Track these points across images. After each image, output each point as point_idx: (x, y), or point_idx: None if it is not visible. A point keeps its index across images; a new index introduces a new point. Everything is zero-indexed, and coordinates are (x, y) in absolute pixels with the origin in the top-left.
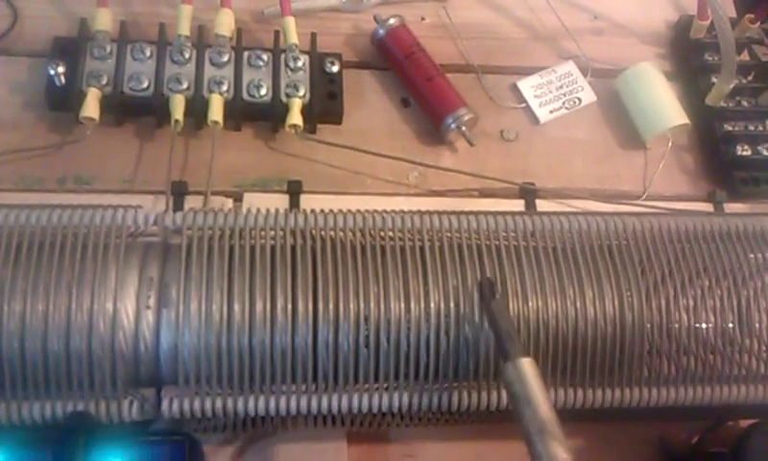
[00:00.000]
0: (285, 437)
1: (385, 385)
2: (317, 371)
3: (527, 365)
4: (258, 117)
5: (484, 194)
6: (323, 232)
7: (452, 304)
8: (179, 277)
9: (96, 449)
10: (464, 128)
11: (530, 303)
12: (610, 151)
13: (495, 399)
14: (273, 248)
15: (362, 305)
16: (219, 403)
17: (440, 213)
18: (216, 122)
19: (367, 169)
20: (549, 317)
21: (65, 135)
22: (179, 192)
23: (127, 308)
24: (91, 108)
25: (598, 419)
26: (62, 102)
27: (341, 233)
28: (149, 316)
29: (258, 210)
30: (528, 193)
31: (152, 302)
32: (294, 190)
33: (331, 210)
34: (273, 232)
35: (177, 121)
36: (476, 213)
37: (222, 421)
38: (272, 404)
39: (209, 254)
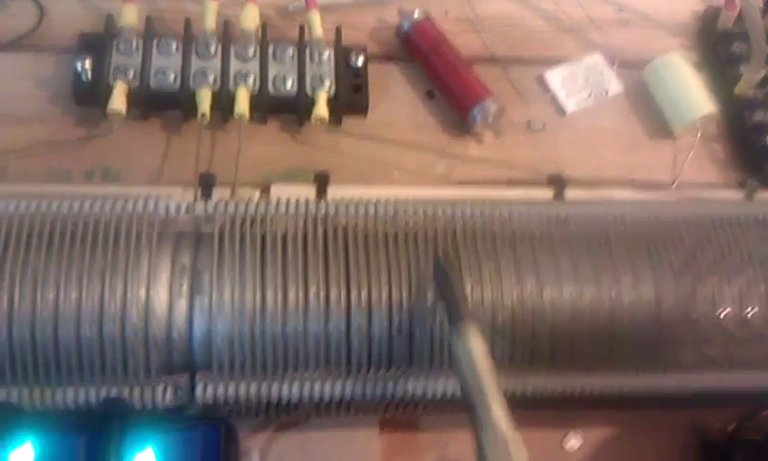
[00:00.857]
0: (317, 424)
1: (418, 372)
2: (350, 357)
3: (472, 330)
4: (284, 110)
5: (512, 184)
6: (353, 221)
7: (487, 292)
8: (211, 264)
9: (130, 435)
10: (490, 119)
11: (564, 292)
12: (638, 141)
13: (530, 386)
14: (305, 235)
15: (394, 292)
16: (252, 389)
17: (471, 202)
18: (242, 115)
19: (393, 161)
20: (584, 304)
21: (92, 129)
22: (206, 184)
23: (160, 295)
24: (118, 101)
25: (633, 406)
26: (89, 96)
27: (371, 222)
28: (182, 303)
29: (288, 200)
30: (557, 182)
31: (184, 289)
32: (321, 182)
33: (361, 199)
34: (303, 221)
35: (203, 114)
36: (506, 202)
37: (254, 407)
38: (304, 391)
39: (241, 242)
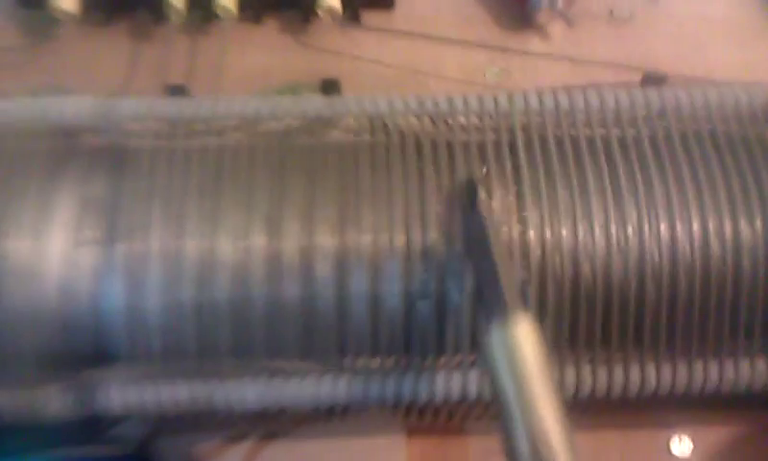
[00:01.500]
0: (314, 432)
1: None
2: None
3: (525, 334)
4: (284, 4)
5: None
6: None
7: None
8: (135, 195)
9: None
10: (559, 4)
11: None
12: (759, 31)
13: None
14: (281, 148)
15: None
16: (201, 391)
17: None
18: (227, 10)
19: (429, 66)
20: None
21: (40, 38)
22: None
23: (53, 246)
24: None
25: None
26: None
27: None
28: (88, 257)
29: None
30: (654, 82)
31: (92, 235)
32: (329, 92)
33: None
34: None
35: (176, 11)
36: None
37: (208, 417)
38: (287, 391)
39: (186, 161)
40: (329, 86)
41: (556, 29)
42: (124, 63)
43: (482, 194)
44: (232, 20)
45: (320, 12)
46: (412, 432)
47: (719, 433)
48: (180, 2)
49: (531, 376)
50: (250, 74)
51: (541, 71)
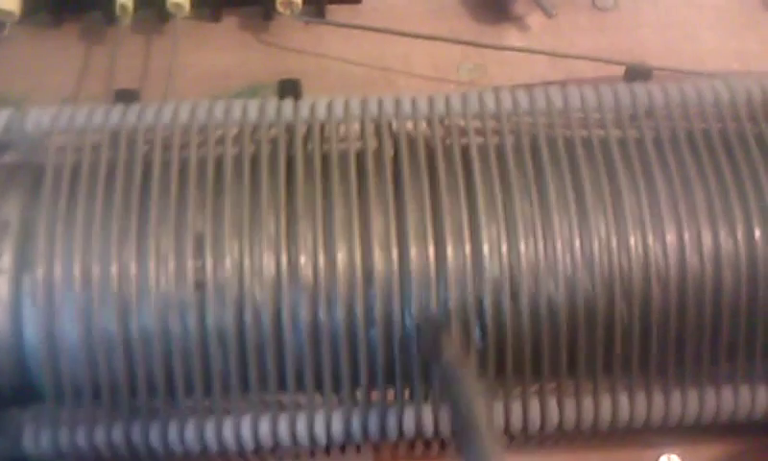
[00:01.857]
0: None
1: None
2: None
3: None
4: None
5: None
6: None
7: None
8: (50, 217)
9: None
10: None
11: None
12: (753, 17)
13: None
14: (219, 158)
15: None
16: (137, 433)
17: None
18: (179, 5)
19: (399, 63)
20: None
21: None
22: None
23: None
24: None
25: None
26: None
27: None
28: (1, 286)
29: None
30: (638, 75)
31: (5, 261)
32: (288, 93)
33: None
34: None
35: (122, 6)
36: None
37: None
38: (226, 431)
39: (109, 177)
40: (289, 87)
41: (534, 20)
42: (73, 67)
43: (447, 339)
44: (187, 18)
45: (280, 8)
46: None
47: (711, 451)
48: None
49: None
50: (206, 75)
51: (519, 66)
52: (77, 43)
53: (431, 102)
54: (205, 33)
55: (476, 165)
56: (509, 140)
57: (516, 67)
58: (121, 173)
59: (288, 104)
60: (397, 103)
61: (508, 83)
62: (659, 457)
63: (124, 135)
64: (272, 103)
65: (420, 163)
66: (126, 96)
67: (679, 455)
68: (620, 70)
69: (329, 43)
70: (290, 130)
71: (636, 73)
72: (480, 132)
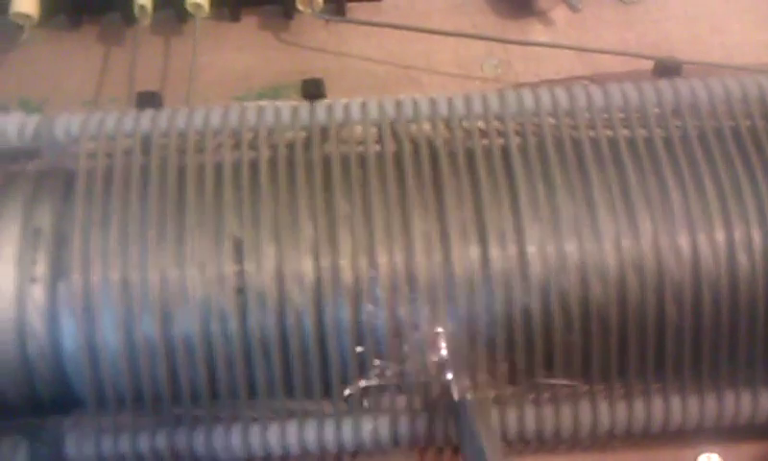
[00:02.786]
0: None
1: None
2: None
3: None
4: None
5: (599, 80)
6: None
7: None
8: (85, 224)
9: None
10: None
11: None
12: None
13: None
14: (253, 162)
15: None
16: (178, 438)
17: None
18: (198, 5)
19: (421, 61)
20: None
21: (2, 44)
22: (148, 107)
23: (1, 283)
24: (26, 1)
25: None
26: None
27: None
28: (36, 294)
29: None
30: (668, 71)
31: (40, 269)
32: (311, 94)
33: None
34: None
35: (142, 7)
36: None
37: None
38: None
39: (144, 183)
40: (312, 87)
41: (559, 15)
42: (93, 70)
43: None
44: (207, 18)
45: (301, 6)
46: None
47: (751, 450)
48: (148, 0)
49: None
50: (227, 76)
51: (544, 62)
52: (96, 45)
53: (467, 102)
54: (225, 33)
55: (518, 165)
56: (549, 139)
57: (541, 63)
58: (155, 178)
59: (321, 106)
60: (432, 103)
61: (533, 79)
62: (698, 456)
63: (156, 140)
64: (303, 106)
65: (458, 165)
66: (148, 98)
67: (719, 454)
68: (648, 64)
69: (350, 41)
70: (324, 132)
71: (666, 67)
72: (519, 132)
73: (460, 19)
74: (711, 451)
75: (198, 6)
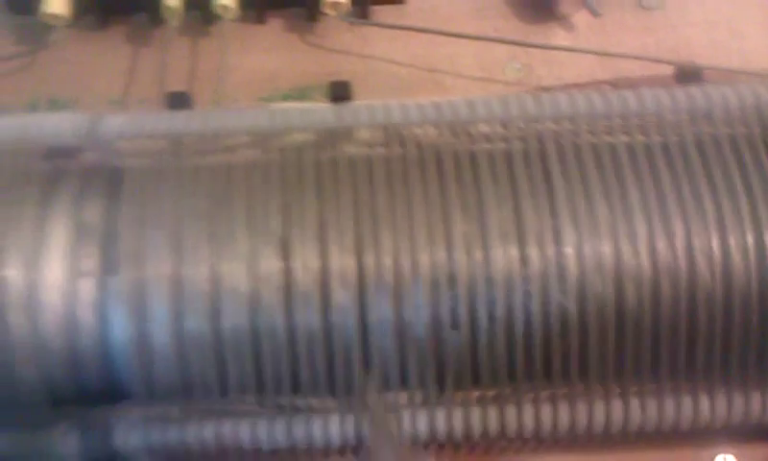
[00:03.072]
0: None
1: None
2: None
3: None
4: (288, 2)
5: (620, 85)
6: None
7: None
8: (135, 219)
9: None
10: None
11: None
12: None
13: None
14: (298, 163)
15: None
16: (228, 428)
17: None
18: (226, 7)
19: (445, 63)
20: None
21: (34, 46)
22: (178, 107)
23: (51, 277)
24: (57, 2)
25: None
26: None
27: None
28: (87, 288)
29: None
30: (688, 77)
31: (90, 263)
32: (339, 96)
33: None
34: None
35: (170, 8)
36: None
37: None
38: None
39: (193, 180)
40: (339, 89)
41: (580, 19)
42: (122, 70)
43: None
44: (234, 20)
45: (324, 6)
46: None
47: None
48: (177, 1)
49: None
50: (254, 78)
51: (566, 66)
52: (124, 46)
53: (505, 104)
54: (251, 35)
55: (555, 168)
56: (585, 143)
57: (562, 67)
58: (205, 176)
59: (363, 107)
60: (470, 106)
61: (555, 82)
62: (714, 457)
63: (202, 140)
64: (349, 107)
65: (497, 166)
66: (178, 99)
67: (735, 455)
68: (668, 69)
69: (375, 44)
70: (368, 134)
71: (686, 73)
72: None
73: (482, 23)
74: (728, 452)
75: (226, 8)
